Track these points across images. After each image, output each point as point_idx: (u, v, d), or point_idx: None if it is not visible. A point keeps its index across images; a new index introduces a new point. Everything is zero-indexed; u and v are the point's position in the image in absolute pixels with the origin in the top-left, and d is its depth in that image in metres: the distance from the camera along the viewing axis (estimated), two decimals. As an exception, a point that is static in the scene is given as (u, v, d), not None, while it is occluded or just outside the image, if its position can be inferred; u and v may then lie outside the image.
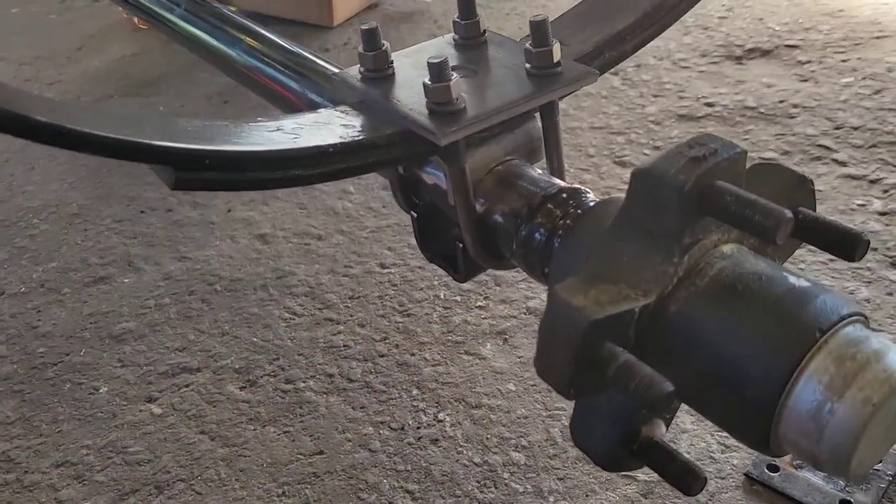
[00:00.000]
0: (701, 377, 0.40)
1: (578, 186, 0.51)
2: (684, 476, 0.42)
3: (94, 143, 0.37)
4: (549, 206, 0.49)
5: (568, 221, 0.48)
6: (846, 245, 0.42)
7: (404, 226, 1.22)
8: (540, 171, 0.54)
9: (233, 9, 1.97)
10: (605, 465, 0.45)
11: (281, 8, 1.92)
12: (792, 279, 0.39)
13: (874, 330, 0.92)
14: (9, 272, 1.21)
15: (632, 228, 0.42)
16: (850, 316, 0.38)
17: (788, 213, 0.37)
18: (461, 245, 0.54)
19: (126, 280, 1.18)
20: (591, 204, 0.49)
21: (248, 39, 0.72)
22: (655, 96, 1.46)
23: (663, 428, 0.45)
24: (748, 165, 0.44)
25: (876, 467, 0.78)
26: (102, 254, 1.24)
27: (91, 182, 1.42)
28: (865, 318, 0.39)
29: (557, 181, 0.52)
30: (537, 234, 0.49)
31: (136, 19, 1.90)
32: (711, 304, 0.40)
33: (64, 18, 2.13)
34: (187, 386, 0.99)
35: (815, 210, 0.45)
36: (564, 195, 0.50)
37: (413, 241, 1.19)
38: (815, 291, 0.38)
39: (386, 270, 1.15)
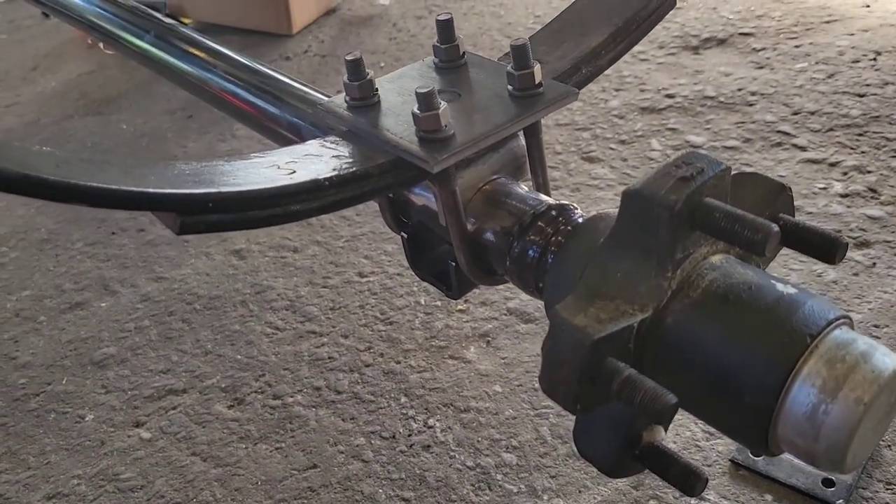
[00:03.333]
0: (699, 385, 0.42)
1: (566, 203, 0.52)
2: (686, 478, 0.44)
3: (103, 197, 0.38)
4: (540, 223, 0.51)
5: (559, 238, 0.50)
6: (826, 249, 0.44)
7: (379, 233, 1.23)
8: (526, 188, 0.55)
9: (188, 21, 1.96)
10: (610, 472, 0.47)
11: (239, 18, 1.91)
12: (780, 287, 0.41)
13: (849, 313, 0.96)
14: (-19, 303, 1.20)
15: (624, 245, 0.44)
16: (836, 320, 0.40)
17: (775, 228, 0.39)
18: (454, 263, 0.56)
19: (103, 304, 1.17)
20: (580, 220, 0.51)
21: (224, 65, 0.72)
22: (617, 90, 1.49)
23: (663, 432, 0.47)
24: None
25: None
26: (76, 278, 1.23)
27: (57, 205, 1.40)
28: (850, 320, 0.41)
29: (545, 198, 0.54)
30: (530, 251, 0.51)
31: (90, 39, 1.87)
32: (705, 315, 0.42)
33: (15, 38, 2.09)
34: (174, 408, 0.99)
35: (793, 215, 0.48)
36: (553, 212, 0.51)
37: (389, 248, 1.20)
38: (803, 298, 0.41)
39: (365, 279, 1.15)
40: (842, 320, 0.40)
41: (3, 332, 1.14)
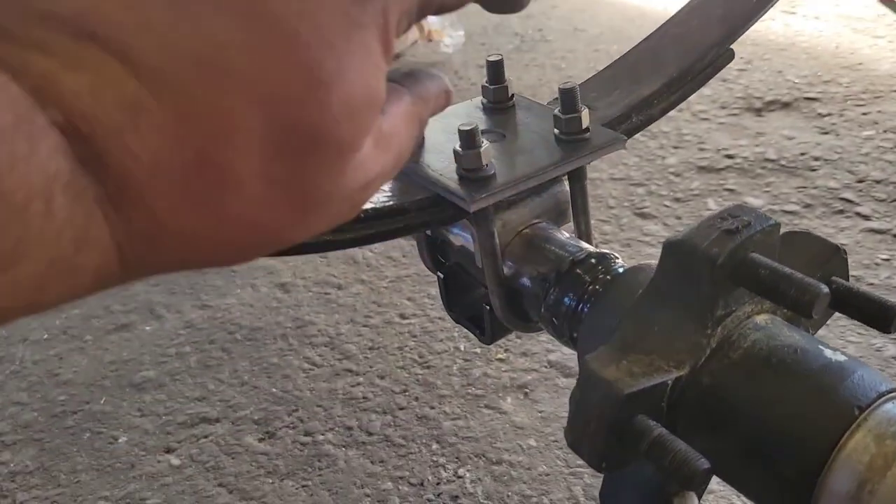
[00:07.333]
0: (734, 452, 0.39)
1: (607, 251, 0.51)
2: (718, 551, 0.41)
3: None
4: (578, 270, 0.49)
5: (597, 287, 0.48)
6: (881, 317, 0.41)
7: (424, 276, 1.23)
8: (567, 235, 0.54)
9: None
10: (636, 538, 0.44)
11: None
12: (828, 353, 0.39)
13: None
14: (32, 318, 1.22)
15: (663, 298, 0.42)
16: (888, 392, 0.37)
17: (825, 289, 0.36)
18: (488, 307, 0.54)
19: (147, 328, 1.18)
20: (620, 270, 0.49)
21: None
22: (675, 148, 1.47)
23: (696, 499, 0.44)
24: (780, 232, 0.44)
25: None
26: (125, 301, 1.24)
27: (114, 228, 1.43)
28: (904, 394, 0.38)
29: (585, 245, 0.52)
30: (566, 299, 0.49)
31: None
32: (745, 377, 0.39)
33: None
34: (206, 437, 0.99)
35: (847, 279, 0.45)
36: (593, 260, 0.50)
37: (433, 291, 1.19)
38: (852, 367, 0.38)
39: (406, 321, 1.14)
40: (894, 393, 0.37)
41: (50, 349, 1.16)
